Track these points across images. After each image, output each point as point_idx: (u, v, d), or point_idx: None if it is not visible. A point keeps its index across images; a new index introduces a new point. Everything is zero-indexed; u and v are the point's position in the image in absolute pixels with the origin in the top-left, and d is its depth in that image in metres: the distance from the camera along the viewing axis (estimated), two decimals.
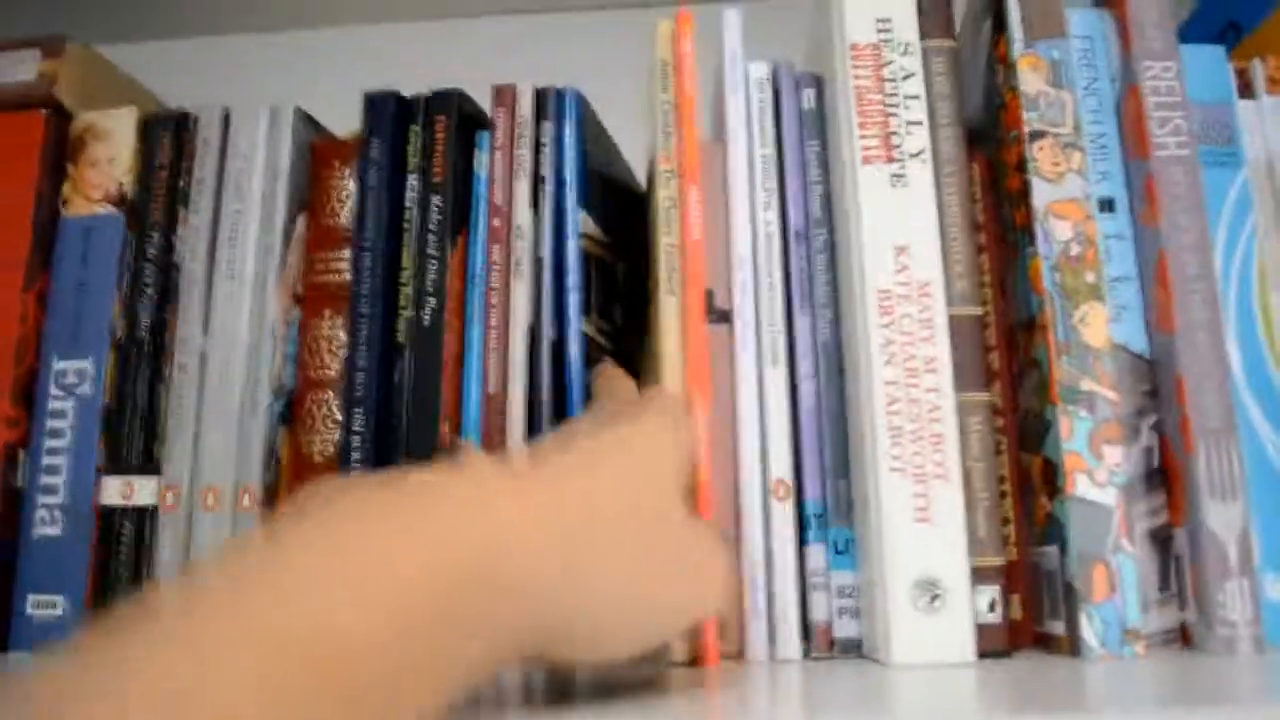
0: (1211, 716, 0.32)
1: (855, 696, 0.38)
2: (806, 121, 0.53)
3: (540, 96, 0.55)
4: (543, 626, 0.31)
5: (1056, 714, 0.33)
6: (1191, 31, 0.61)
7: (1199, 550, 0.45)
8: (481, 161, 0.55)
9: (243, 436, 0.54)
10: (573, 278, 0.53)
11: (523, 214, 0.54)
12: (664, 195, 0.50)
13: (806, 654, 0.48)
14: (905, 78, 0.49)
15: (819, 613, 0.48)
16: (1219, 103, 0.51)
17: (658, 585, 0.35)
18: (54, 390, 0.55)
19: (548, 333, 0.52)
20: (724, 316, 0.51)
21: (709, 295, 0.52)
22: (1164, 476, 0.47)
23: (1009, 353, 0.51)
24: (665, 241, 0.50)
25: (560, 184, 0.54)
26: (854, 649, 0.48)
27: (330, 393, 0.55)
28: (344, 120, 0.60)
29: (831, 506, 0.49)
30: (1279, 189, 0.51)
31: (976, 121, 0.54)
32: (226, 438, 0.54)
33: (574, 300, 0.53)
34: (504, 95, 0.56)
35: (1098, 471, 0.45)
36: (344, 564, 0.27)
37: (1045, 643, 0.47)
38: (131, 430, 0.54)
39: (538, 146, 0.55)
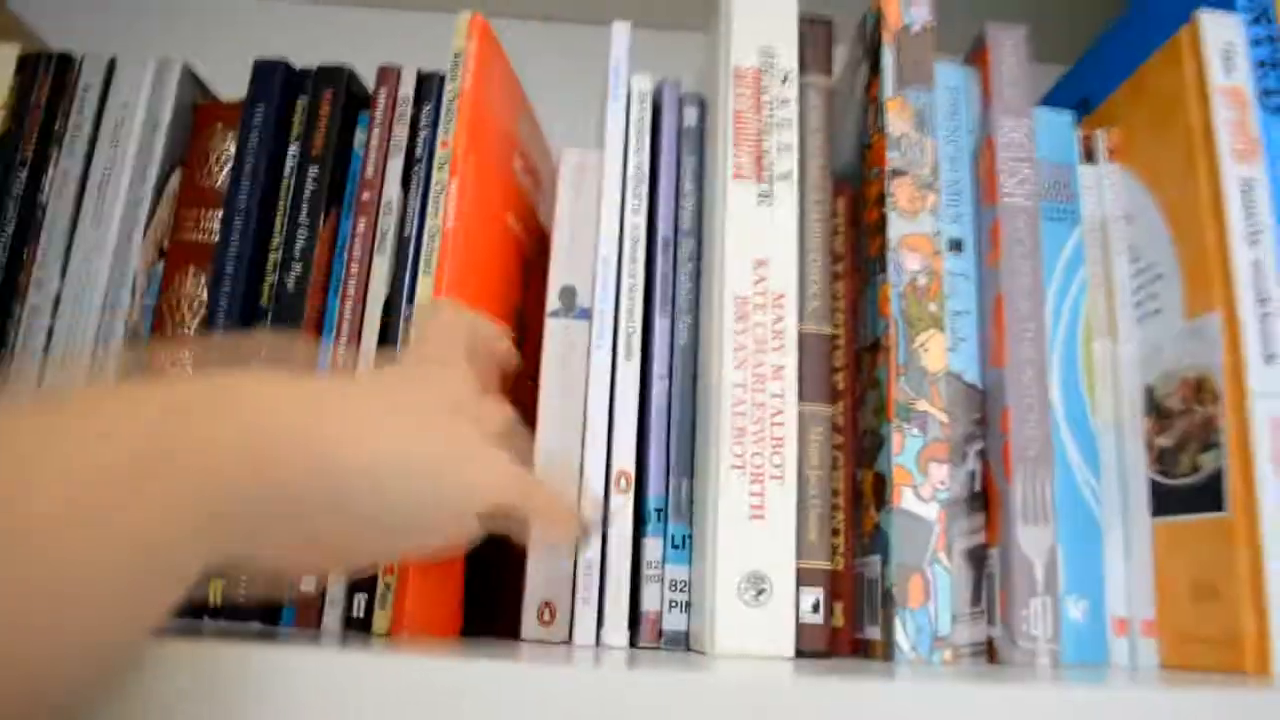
0: (1002, 692, 0.34)
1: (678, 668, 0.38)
2: (685, 137, 0.55)
3: (423, 79, 0.56)
4: (288, 467, 0.31)
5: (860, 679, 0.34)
6: (1051, 103, 0.65)
7: (1009, 569, 0.47)
8: (360, 140, 0.56)
9: (92, 381, 0.53)
10: None
11: (393, 190, 0.54)
12: (437, 178, 0.52)
13: (633, 643, 0.49)
14: (781, 104, 0.52)
15: (650, 603, 0.49)
16: (1064, 163, 0.55)
17: (417, 459, 0.35)
18: None
19: (404, 311, 0.52)
20: (585, 313, 0.53)
21: (570, 291, 0.54)
22: (985, 500, 0.50)
23: (855, 375, 0.54)
24: (432, 223, 0.51)
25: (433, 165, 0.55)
26: (680, 642, 0.49)
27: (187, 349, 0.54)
28: (233, 87, 0.59)
29: (673, 504, 0.50)
30: (1109, 247, 0.55)
31: (848, 162, 0.57)
32: (73, 381, 0.53)
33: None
34: (387, 75, 0.56)
35: (923, 487, 0.48)
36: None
37: (863, 649, 0.49)
38: None
39: (415, 128, 0.56)
